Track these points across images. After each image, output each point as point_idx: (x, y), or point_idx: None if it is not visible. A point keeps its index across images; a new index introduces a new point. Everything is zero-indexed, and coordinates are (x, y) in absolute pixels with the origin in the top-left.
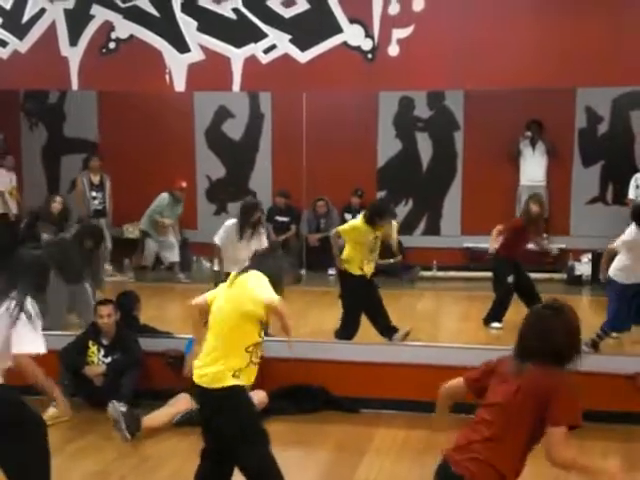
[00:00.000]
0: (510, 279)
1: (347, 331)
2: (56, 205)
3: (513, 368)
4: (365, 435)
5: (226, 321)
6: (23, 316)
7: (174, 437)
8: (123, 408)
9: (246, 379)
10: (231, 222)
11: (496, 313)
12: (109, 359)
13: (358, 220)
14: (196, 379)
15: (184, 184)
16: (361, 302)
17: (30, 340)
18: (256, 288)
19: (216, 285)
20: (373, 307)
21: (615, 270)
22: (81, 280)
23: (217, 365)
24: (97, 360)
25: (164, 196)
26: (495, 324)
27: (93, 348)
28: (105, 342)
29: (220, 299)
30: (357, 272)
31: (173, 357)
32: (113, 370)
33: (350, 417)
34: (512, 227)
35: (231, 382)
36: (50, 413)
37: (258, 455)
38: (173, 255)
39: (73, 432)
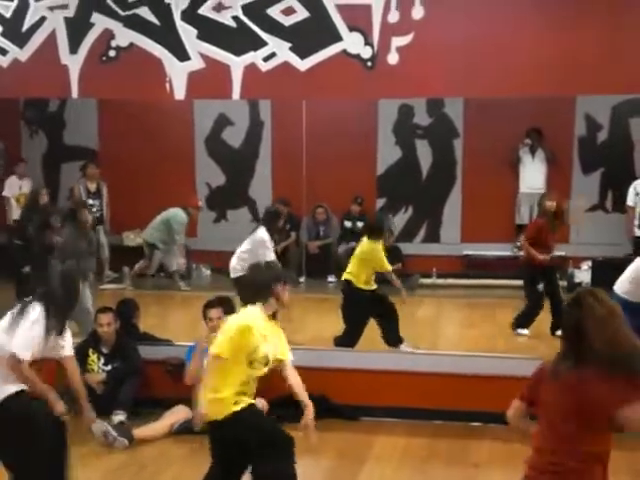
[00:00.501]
0: (540, 287)
1: (347, 341)
2: (43, 197)
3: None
4: (365, 443)
5: None
6: (25, 321)
7: (173, 445)
8: (122, 417)
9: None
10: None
11: (524, 320)
12: (109, 367)
13: (368, 241)
14: None
15: (200, 203)
16: (364, 315)
17: (20, 344)
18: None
19: None
20: (383, 316)
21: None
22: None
23: None
24: (97, 368)
25: (182, 215)
26: (522, 331)
27: (93, 356)
28: (105, 350)
29: None
30: (363, 286)
31: (173, 365)
32: (113, 378)
33: (350, 425)
34: (533, 229)
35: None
36: None
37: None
38: (176, 264)
39: (73, 440)
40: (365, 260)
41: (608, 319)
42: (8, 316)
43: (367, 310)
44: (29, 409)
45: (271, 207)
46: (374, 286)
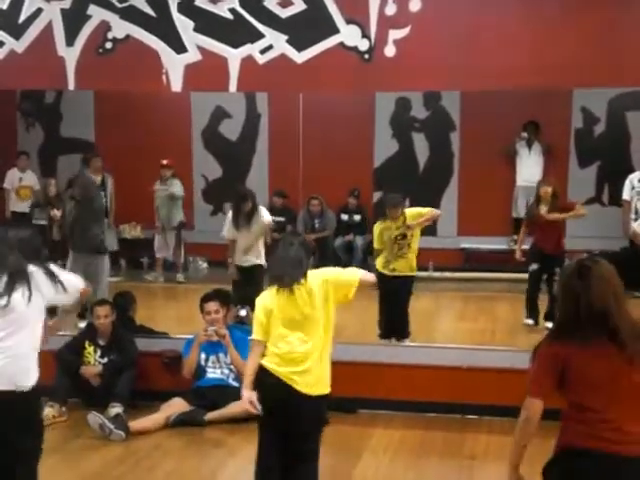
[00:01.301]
0: (534, 266)
1: (380, 325)
2: (52, 189)
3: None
4: (362, 435)
5: None
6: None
7: (169, 437)
8: (119, 409)
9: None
10: (231, 214)
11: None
12: (105, 359)
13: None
14: None
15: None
16: (382, 297)
17: (73, 281)
18: None
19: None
20: (390, 306)
21: None
22: (96, 252)
23: None
24: (93, 361)
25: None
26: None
27: (90, 349)
28: (102, 343)
29: None
30: (379, 268)
31: (169, 357)
32: (109, 370)
33: (347, 417)
34: (530, 218)
35: None
36: (45, 412)
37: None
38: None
39: (70, 432)
40: (383, 237)
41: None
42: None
43: (381, 291)
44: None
45: (239, 189)
46: (395, 271)
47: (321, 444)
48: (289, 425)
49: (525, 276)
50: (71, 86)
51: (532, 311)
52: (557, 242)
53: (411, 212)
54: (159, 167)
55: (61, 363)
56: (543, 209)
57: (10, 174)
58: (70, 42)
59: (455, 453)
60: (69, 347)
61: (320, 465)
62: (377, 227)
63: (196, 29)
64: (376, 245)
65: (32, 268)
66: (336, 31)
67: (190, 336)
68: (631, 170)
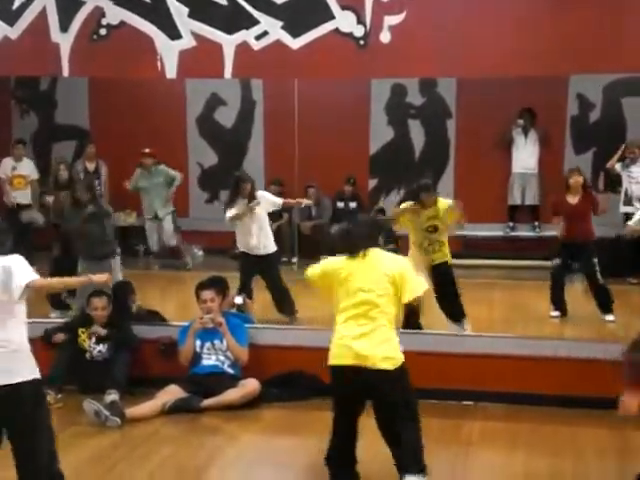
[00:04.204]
0: (556, 261)
1: None
2: (62, 174)
3: None
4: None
5: None
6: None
7: (165, 424)
8: (115, 396)
9: None
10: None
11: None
12: (100, 346)
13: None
14: None
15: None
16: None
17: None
18: None
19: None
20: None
21: None
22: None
23: None
24: (88, 347)
25: None
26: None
27: (84, 336)
28: (97, 330)
29: None
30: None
31: (165, 344)
32: (108, 350)
33: None
34: (557, 205)
35: None
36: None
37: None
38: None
39: (66, 419)
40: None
41: None
42: None
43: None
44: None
45: (237, 173)
46: (431, 259)
47: (315, 430)
48: None
49: (522, 263)
50: (65, 73)
51: (558, 304)
52: (587, 231)
53: (442, 203)
54: (140, 156)
55: (47, 338)
56: (572, 198)
57: (4, 163)
58: (64, 28)
59: (451, 439)
60: (58, 329)
61: (315, 451)
62: (404, 207)
63: (191, 15)
64: (397, 227)
65: None
66: (331, 17)
67: (185, 323)
68: (626, 157)
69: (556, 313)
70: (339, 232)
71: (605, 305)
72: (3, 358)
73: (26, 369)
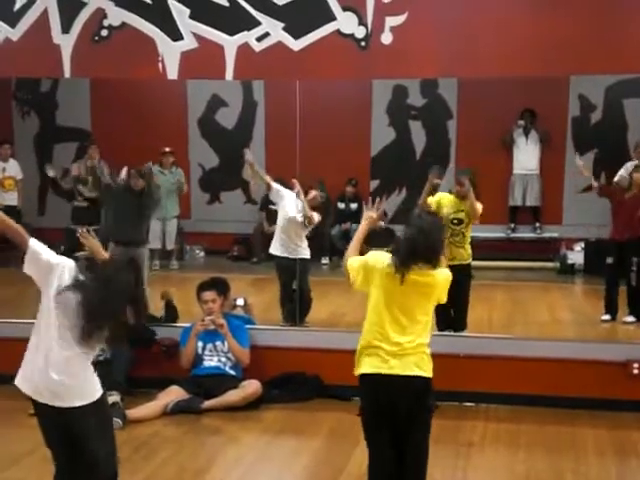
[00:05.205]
0: (609, 260)
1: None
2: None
3: None
4: (358, 423)
5: None
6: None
7: (167, 425)
8: (117, 397)
9: None
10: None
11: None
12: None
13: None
14: None
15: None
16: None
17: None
18: None
19: None
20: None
21: None
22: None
23: None
24: None
25: None
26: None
27: None
28: None
29: None
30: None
31: (167, 345)
32: (108, 350)
33: (344, 405)
34: (616, 201)
35: None
36: None
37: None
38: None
39: None
40: None
41: None
42: None
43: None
44: None
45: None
46: (454, 260)
47: (317, 431)
48: None
49: (521, 264)
50: (67, 74)
51: (609, 306)
52: (636, 228)
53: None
54: (160, 155)
55: None
56: (629, 194)
57: None
58: (66, 30)
59: (452, 440)
60: None
61: (316, 452)
62: (438, 196)
63: (192, 16)
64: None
65: None
66: (333, 18)
67: (187, 325)
68: (628, 158)
69: (607, 317)
70: (412, 235)
71: (633, 306)
72: None
73: None
